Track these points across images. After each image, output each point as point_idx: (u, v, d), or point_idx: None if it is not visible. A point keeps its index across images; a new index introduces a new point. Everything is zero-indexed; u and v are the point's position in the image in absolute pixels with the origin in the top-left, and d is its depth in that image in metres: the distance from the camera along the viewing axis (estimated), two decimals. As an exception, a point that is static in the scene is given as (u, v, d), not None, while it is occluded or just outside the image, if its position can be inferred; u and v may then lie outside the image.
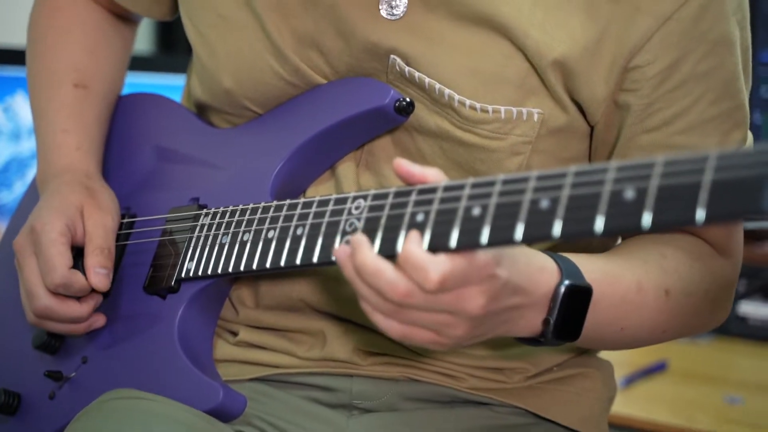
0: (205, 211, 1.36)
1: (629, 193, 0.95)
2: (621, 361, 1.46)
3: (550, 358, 1.37)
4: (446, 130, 1.29)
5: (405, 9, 1.28)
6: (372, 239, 1.13)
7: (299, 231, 1.22)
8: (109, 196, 1.42)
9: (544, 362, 1.37)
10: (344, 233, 1.17)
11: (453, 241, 1.06)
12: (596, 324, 1.19)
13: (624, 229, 0.96)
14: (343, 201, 1.19)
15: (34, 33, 1.57)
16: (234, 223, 1.31)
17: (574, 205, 0.99)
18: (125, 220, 1.44)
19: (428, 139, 1.31)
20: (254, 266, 1.26)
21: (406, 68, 1.28)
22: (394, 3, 1.28)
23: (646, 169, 0.95)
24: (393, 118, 1.30)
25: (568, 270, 1.15)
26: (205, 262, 1.32)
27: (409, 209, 1.11)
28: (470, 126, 1.28)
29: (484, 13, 1.26)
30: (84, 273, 1.35)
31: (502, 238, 1.04)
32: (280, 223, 1.25)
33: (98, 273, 1.35)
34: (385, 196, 1.15)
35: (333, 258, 1.17)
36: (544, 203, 1.01)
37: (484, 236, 1.04)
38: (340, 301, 1.33)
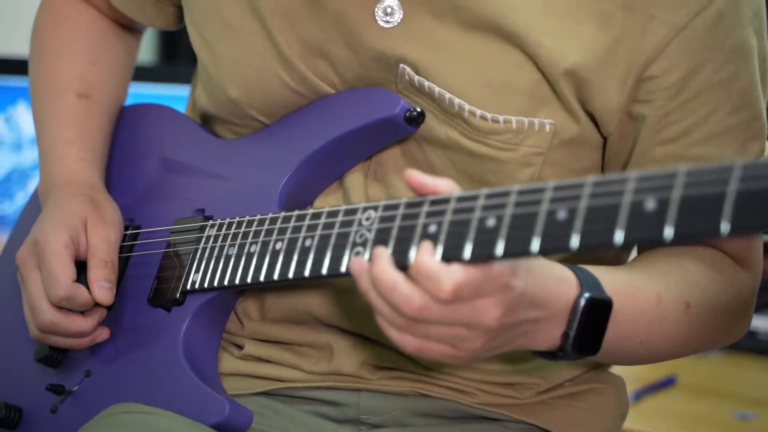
0: (210, 222, 1.34)
1: (650, 204, 0.93)
2: (629, 376, 1.44)
3: (561, 373, 1.35)
4: (456, 141, 1.27)
5: (401, 16, 1.26)
6: None
7: (308, 242, 1.20)
8: (112, 209, 1.40)
9: (556, 377, 1.35)
10: (354, 245, 1.15)
11: (467, 252, 1.04)
12: (615, 338, 1.17)
13: (644, 241, 0.94)
14: (353, 212, 1.17)
15: (37, 42, 1.56)
16: (241, 235, 1.28)
17: (592, 217, 0.97)
18: (129, 232, 1.42)
19: (438, 150, 1.29)
20: (261, 278, 1.24)
21: (416, 77, 1.26)
22: (389, 9, 1.26)
23: (668, 179, 0.93)
24: (403, 129, 1.28)
25: (587, 282, 1.12)
26: (211, 274, 1.30)
27: (422, 220, 1.09)
28: (481, 137, 1.26)
29: (494, 22, 1.24)
30: (87, 287, 1.33)
31: (517, 250, 1.01)
32: (288, 235, 1.23)
33: (102, 287, 1.33)
34: (396, 206, 1.13)
35: (343, 270, 1.15)
36: (562, 214, 0.99)
37: (499, 248, 1.02)
38: (347, 314, 1.31)
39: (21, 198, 2.32)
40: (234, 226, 1.30)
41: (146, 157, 1.48)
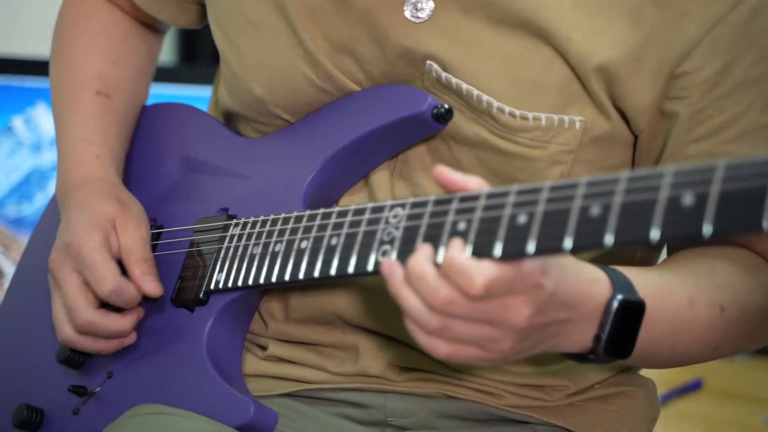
0: (234, 221, 1.32)
1: (688, 199, 0.91)
2: (655, 379, 1.42)
3: (591, 375, 1.33)
4: (484, 139, 1.25)
5: (431, 12, 1.24)
6: (411, 249, 1.08)
7: (334, 241, 1.18)
8: (138, 206, 1.39)
9: (586, 380, 1.33)
10: (381, 243, 1.13)
11: (497, 250, 1.02)
12: (648, 341, 1.15)
13: (682, 238, 0.92)
14: (380, 210, 1.15)
15: (58, 40, 1.55)
16: (265, 234, 1.27)
17: (627, 213, 0.95)
18: (152, 231, 1.40)
19: (465, 148, 1.27)
20: (286, 277, 1.22)
21: (443, 74, 1.25)
22: (419, 5, 1.24)
23: (707, 173, 0.91)
24: (430, 126, 1.26)
25: (620, 283, 1.10)
26: (235, 273, 1.28)
27: (451, 217, 1.07)
28: (509, 134, 1.24)
29: (523, 17, 1.22)
30: None
31: (549, 247, 0.99)
32: (313, 233, 1.21)
33: (150, 281, 1.32)
34: (424, 204, 1.11)
35: (370, 268, 1.14)
36: (595, 210, 0.97)
37: (531, 245, 1.00)
38: (374, 315, 1.29)
39: (40, 199, 2.31)
40: (258, 225, 1.29)
41: (168, 157, 1.47)
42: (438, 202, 1.09)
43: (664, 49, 1.22)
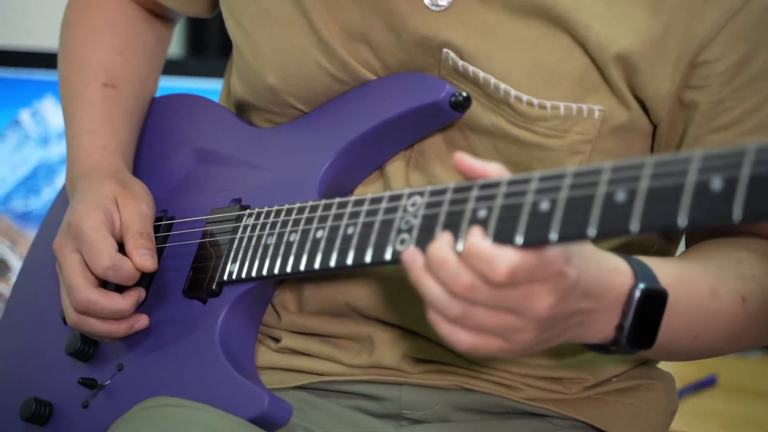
0: (248, 211, 1.30)
1: (716, 184, 0.89)
2: (668, 375, 1.41)
3: (609, 368, 1.31)
4: (501, 128, 1.23)
5: (451, 0, 1.23)
6: (430, 237, 1.07)
7: (350, 230, 1.17)
8: (141, 187, 1.38)
9: (604, 373, 1.31)
10: (399, 231, 1.11)
11: (519, 237, 1.00)
12: (670, 331, 1.13)
13: (710, 223, 0.90)
14: (398, 198, 1.13)
15: (66, 31, 1.54)
16: (280, 224, 1.25)
17: (654, 198, 0.93)
18: (163, 223, 1.39)
19: (482, 138, 1.25)
20: (302, 267, 1.21)
21: (460, 62, 1.23)
22: None
23: (737, 157, 0.89)
24: (448, 115, 1.25)
25: (642, 272, 1.09)
26: (249, 263, 1.26)
27: (471, 205, 1.05)
28: (527, 123, 1.23)
29: (541, 5, 1.21)
30: None
31: (573, 234, 0.98)
32: (329, 223, 1.20)
33: (143, 254, 1.30)
34: (443, 191, 1.09)
35: (388, 257, 1.12)
36: (621, 196, 0.95)
37: (554, 232, 0.98)
38: (389, 306, 1.28)
39: (48, 193, 2.30)
40: (272, 215, 1.27)
41: (180, 148, 1.45)
42: (458, 190, 1.08)
43: (685, 38, 1.21)
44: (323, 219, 1.21)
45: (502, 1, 1.22)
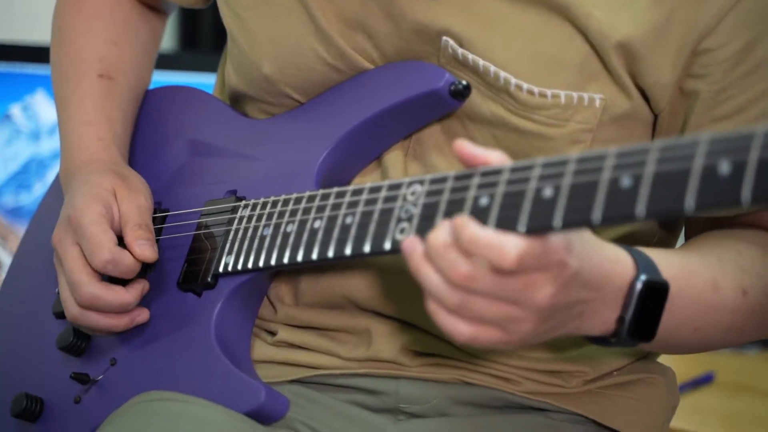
0: (244, 202, 1.29)
1: (724, 168, 0.88)
2: (667, 371, 1.40)
3: (609, 361, 1.30)
4: (501, 117, 1.22)
5: None
6: (430, 226, 1.05)
7: (348, 220, 1.15)
8: (139, 179, 1.37)
9: (604, 366, 1.29)
10: (399, 220, 1.10)
11: (522, 224, 0.98)
12: (671, 324, 1.12)
13: (718, 207, 0.89)
14: (397, 187, 1.12)
15: (59, 22, 1.52)
16: (276, 214, 1.23)
17: (660, 182, 0.91)
18: (157, 215, 1.37)
19: (481, 127, 1.24)
20: (299, 258, 1.19)
21: (459, 50, 1.21)
22: None
23: (745, 140, 0.87)
24: (447, 103, 1.23)
25: (644, 264, 1.07)
26: (245, 255, 1.25)
27: (472, 192, 1.04)
28: (527, 112, 1.21)
29: None
30: None
31: (577, 219, 0.96)
32: (327, 212, 1.18)
33: (142, 245, 1.29)
34: (444, 180, 1.07)
35: (387, 247, 1.10)
36: (626, 181, 0.93)
37: (558, 218, 0.97)
38: (387, 298, 1.26)
39: (39, 189, 2.28)
40: (269, 205, 1.25)
41: (173, 140, 1.43)
42: (458, 178, 1.06)
43: (687, 25, 1.19)
44: (321, 209, 1.19)
45: None
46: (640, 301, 1.07)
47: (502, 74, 1.21)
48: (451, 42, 1.22)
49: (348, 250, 1.14)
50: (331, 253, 1.16)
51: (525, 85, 1.20)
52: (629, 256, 1.08)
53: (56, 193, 1.46)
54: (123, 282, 1.29)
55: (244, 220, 1.27)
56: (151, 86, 1.52)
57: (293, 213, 1.22)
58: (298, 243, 1.19)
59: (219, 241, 1.29)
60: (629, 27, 1.19)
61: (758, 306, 1.19)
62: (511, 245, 0.97)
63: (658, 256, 1.11)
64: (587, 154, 0.97)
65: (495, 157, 1.04)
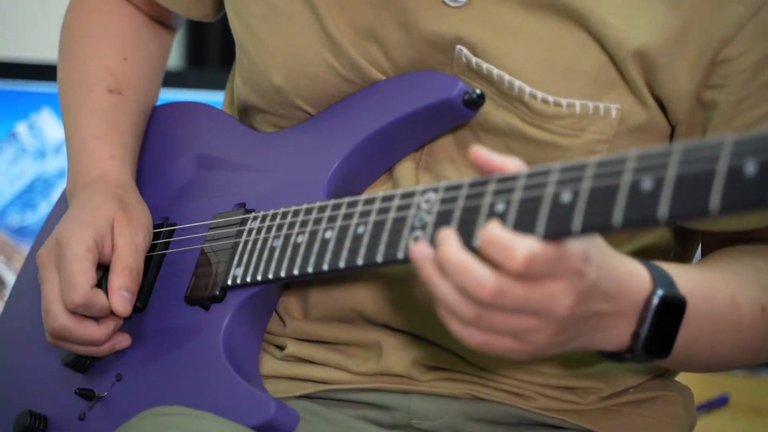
0: (253, 214, 1.27)
1: (750, 168, 0.86)
2: (682, 393, 1.37)
3: (626, 378, 1.27)
4: (515, 127, 1.20)
5: None
6: None
7: (360, 229, 1.13)
8: (143, 213, 1.34)
9: (621, 383, 1.27)
10: (413, 229, 1.08)
11: (540, 229, 0.97)
12: (687, 340, 1.10)
13: (743, 208, 0.87)
14: (411, 195, 1.10)
15: (67, 36, 1.51)
16: (286, 225, 1.22)
17: (683, 185, 0.90)
18: (165, 229, 1.35)
19: (494, 138, 1.22)
20: (309, 269, 1.17)
21: (474, 59, 1.20)
22: None
23: (772, 140, 0.86)
24: (460, 113, 1.21)
25: (661, 278, 1.06)
26: (254, 267, 1.22)
27: (488, 199, 1.02)
28: (542, 122, 1.19)
29: (557, 0, 1.17)
30: (106, 292, 1.26)
31: (597, 223, 0.94)
32: (338, 223, 1.16)
33: (123, 297, 1.26)
34: (458, 187, 1.06)
35: (400, 256, 1.08)
36: (647, 184, 0.92)
37: (577, 222, 0.95)
38: (397, 311, 1.24)
39: (44, 208, 2.27)
40: (279, 217, 1.23)
41: (181, 155, 1.42)
42: (474, 185, 1.04)
43: (706, 34, 1.17)
44: (332, 219, 1.17)
45: None
46: (656, 317, 1.05)
47: (517, 83, 1.19)
48: (465, 51, 1.21)
49: (360, 261, 1.12)
50: (342, 264, 1.14)
51: (539, 94, 1.19)
52: (647, 270, 1.07)
53: (62, 211, 1.44)
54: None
55: (254, 232, 1.25)
56: (158, 103, 1.51)
57: (303, 224, 1.20)
58: (308, 254, 1.17)
59: (228, 253, 1.27)
60: (646, 35, 1.17)
61: None
62: (521, 246, 0.95)
63: (675, 270, 1.09)
64: (607, 158, 0.96)
65: (512, 164, 1.03)
